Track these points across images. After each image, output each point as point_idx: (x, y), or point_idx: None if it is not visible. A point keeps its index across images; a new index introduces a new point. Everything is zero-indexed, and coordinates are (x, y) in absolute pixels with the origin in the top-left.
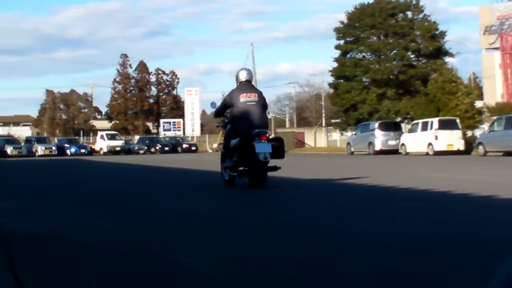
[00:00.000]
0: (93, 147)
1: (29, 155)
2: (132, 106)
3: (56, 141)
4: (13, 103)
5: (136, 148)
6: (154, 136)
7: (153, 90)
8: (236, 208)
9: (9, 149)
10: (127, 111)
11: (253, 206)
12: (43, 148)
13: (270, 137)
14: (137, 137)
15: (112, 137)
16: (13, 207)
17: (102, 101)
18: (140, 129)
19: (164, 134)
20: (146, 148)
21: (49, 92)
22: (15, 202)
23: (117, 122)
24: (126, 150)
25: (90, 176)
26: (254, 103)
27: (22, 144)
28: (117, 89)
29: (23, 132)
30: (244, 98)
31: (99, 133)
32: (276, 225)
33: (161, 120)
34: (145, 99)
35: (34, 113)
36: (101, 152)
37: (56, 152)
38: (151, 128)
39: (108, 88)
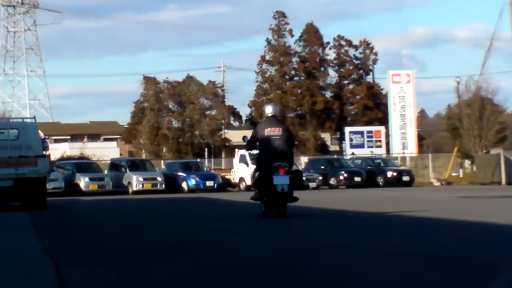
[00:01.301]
0: (227, 176)
1: (117, 191)
2: (294, 104)
3: (163, 166)
4: (87, 101)
5: (305, 177)
6: (335, 157)
7: (332, 76)
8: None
9: (83, 181)
10: (285, 113)
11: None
12: (141, 179)
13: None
14: (304, 159)
15: None
16: (99, 280)
17: (240, 97)
18: (310, 144)
19: (353, 154)
20: (320, 177)
21: (148, 81)
22: (103, 270)
23: None
24: None
25: (226, 231)
26: (278, 137)
27: (105, 171)
28: (266, 75)
29: (105, 150)
30: (268, 132)
31: (238, 152)
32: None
33: (347, 129)
34: (318, 91)
35: (123, 118)
36: (242, 185)
37: (163, 185)
38: (328, 142)
39: (250, 74)
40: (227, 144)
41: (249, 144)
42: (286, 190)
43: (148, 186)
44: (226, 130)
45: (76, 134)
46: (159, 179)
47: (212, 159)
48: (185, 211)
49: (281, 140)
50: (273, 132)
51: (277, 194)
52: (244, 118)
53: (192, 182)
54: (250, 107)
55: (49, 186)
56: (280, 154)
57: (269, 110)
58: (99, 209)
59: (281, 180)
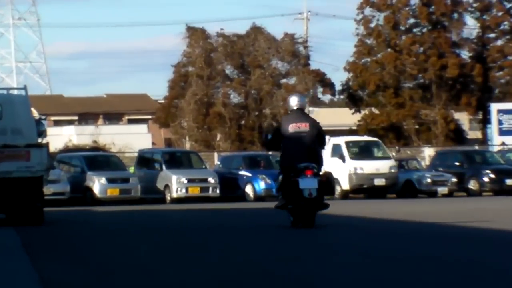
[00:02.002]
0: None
1: (148, 198)
2: (413, 69)
3: (216, 161)
4: (102, 64)
5: (430, 179)
6: (476, 148)
7: (470, 26)
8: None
9: (97, 184)
10: (400, 82)
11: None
12: (184, 180)
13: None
14: (428, 151)
15: (362, 151)
16: None
17: (332, 57)
18: (437, 129)
19: (503, 144)
20: (453, 179)
21: (194, 35)
22: None
23: (373, 112)
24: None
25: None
26: (305, 134)
27: (131, 169)
28: (371, 25)
29: (130, 138)
30: (294, 129)
31: (329, 141)
32: None
33: (493, 107)
34: (449, 50)
35: (156, 90)
36: (336, 191)
37: (217, 190)
38: (465, 126)
39: (347, 24)
40: None
41: (271, 143)
42: (315, 195)
43: (194, 191)
44: (311, 108)
45: (87, 113)
46: (211, 180)
47: None
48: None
49: (308, 137)
50: (299, 128)
51: (304, 200)
52: (337, 88)
53: (261, 185)
54: (348, 71)
55: (48, 190)
56: (307, 154)
57: (294, 102)
58: (120, 228)
59: (308, 183)
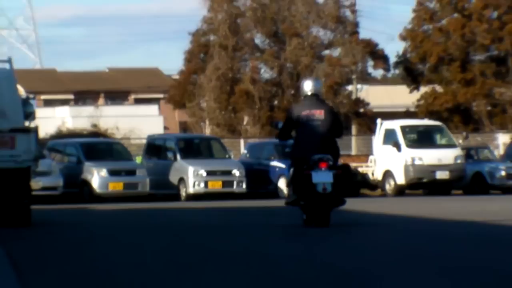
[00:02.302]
0: (361, 169)
1: (159, 194)
2: (485, 37)
3: (243, 150)
4: (103, 32)
5: (503, 172)
6: None
7: None
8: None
9: (97, 177)
10: (470, 55)
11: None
12: (203, 172)
13: (338, 163)
14: (503, 138)
15: (421, 138)
16: None
17: (385, 25)
18: None
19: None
20: None
21: None
22: None
23: (435, 91)
24: None
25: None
26: (319, 122)
27: (138, 159)
28: None
29: (138, 121)
30: (307, 116)
31: (381, 126)
32: None
33: None
34: None
35: (170, 64)
36: (389, 185)
37: (242, 184)
38: None
39: None
40: (360, 110)
41: (283, 132)
42: (329, 191)
43: (215, 185)
44: (359, 86)
45: (85, 91)
46: (236, 173)
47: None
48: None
49: (323, 126)
50: (313, 115)
51: (317, 195)
52: (391, 61)
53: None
54: (404, 40)
55: (36, 184)
56: (322, 144)
57: (308, 86)
58: (124, 232)
59: (322, 177)
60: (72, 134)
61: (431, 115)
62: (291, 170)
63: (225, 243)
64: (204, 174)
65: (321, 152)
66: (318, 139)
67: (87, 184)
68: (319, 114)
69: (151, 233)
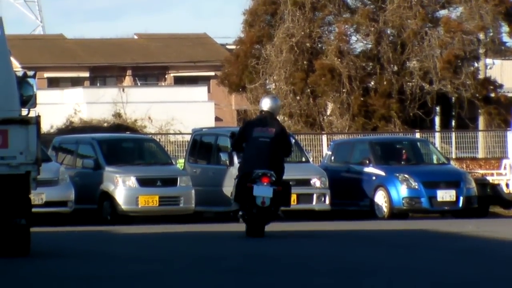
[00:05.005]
0: (493, 179)
1: (208, 212)
2: None
3: (325, 150)
4: None
5: None
6: None
7: None
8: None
9: (122, 188)
10: None
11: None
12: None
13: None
14: None
15: None
16: None
17: None
18: None
19: None
20: None
21: None
22: None
23: None
24: None
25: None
26: (268, 139)
27: (180, 163)
28: None
29: (180, 108)
30: (258, 133)
31: None
32: None
33: None
34: None
35: (222, 30)
36: None
37: (325, 199)
38: None
39: None
40: (490, 95)
41: (235, 145)
42: (267, 204)
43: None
44: (489, 60)
45: (105, 66)
46: (315, 182)
47: (453, 134)
48: None
49: (272, 143)
50: (263, 132)
51: (256, 208)
52: None
53: (402, 191)
54: None
55: (39, 198)
56: (268, 161)
57: (266, 104)
58: (167, 271)
59: (262, 191)
60: (88, 127)
61: None
62: (235, 181)
63: None
64: None
65: (266, 168)
66: (265, 155)
67: (108, 198)
68: (269, 132)
69: (208, 270)
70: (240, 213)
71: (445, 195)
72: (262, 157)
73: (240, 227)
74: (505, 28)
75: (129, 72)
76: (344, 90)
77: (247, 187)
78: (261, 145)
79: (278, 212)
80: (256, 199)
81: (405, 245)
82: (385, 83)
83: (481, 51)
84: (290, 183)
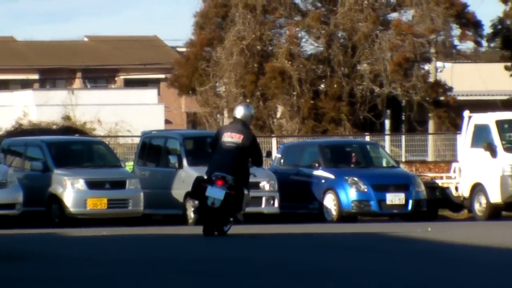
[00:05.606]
0: (442, 181)
1: (157, 214)
2: None
3: (276, 153)
4: None
5: None
6: None
7: None
8: None
9: (70, 190)
10: None
11: None
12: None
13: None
14: None
15: None
16: None
17: None
18: None
19: None
20: None
21: None
22: None
23: None
24: None
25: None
26: (235, 145)
27: (129, 165)
28: None
29: (129, 111)
30: (227, 138)
31: (470, 121)
32: None
33: None
34: None
35: (172, 32)
36: (479, 205)
37: (274, 202)
38: None
39: None
40: (439, 98)
41: (210, 148)
42: (217, 206)
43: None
44: (439, 63)
45: (55, 69)
46: (264, 185)
47: (403, 137)
48: None
49: (237, 150)
50: (231, 138)
51: (206, 207)
52: (486, 31)
53: (351, 194)
54: (505, 1)
55: None
56: (231, 166)
57: (239, 112)
58: (109, 272)
59: (214, 192)
60: (37, 129)
61: None
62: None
63: None
64: None
65: (227, 172)
66: (229, 160)
67: (57, 201)
68: (237, 138)
69: (156, 272)
70: (192, 209)
71: (394, 198)
72: (226, 161)
73: (188, 230)
74: (456, 31)
75: (79, 74)
76: (294, 93)
77: (201, 186)
78: (227, 150)
79: (238, 217)
80: (208, 199)
81: (355, 247)
82: (335, 86)
83: (431, 53)
84: (246, 192)
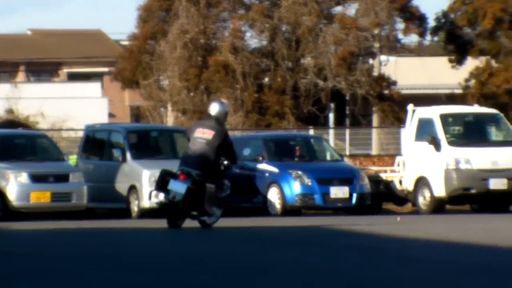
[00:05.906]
0: (386, 175)
1: (102, 209)
2: None
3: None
4: None
5: None
6: None
7: None
8: None
9: (14, 184)
10: None
11: None
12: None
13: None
14: None
15: (469, 132)
16: None
17: None
18: None
19: None
20: None
21: None
22: None
23: (490, 65)
24: None
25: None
26: (204, 141)
27: (72, 159)
28: None
29: (73, 104)
30: (198, 134)
31: (414, 114)
32: None
33: None
34: None
35: (117, 25)
36: (423, 198)
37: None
38: None
39: None
40: (384, 92)
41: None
42: (178, 200)
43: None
44: (383, 57)
45: None
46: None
47: (347, 131)
48: None
49: (207, 146)
50: (202, 134)
51: (168, 201)
52: (429, 25)
53: (295, 188)
54: None
55: None
56: (200, 161)
57: (213, 109)
58: (52, 268)
59: (176, 186)
60: None
61: (484, 99)
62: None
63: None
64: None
65: (195, 167)
66: (198, 155)
67: (0, 194)
68: (208, 134)
69: (98, 268)
70: (155, 200)
71: (338, 191)
72: (195, 156)
73: (133, 223)
74: (400, 25)
75: (22, 67)
76: (238, 87)
77: (165, 180)
78: (197, 145)
79: (207, 210)
80: (169, 192)
81: (298, 242)
82: (279, 79)
83: (376, 47)
84: (213, 187)
